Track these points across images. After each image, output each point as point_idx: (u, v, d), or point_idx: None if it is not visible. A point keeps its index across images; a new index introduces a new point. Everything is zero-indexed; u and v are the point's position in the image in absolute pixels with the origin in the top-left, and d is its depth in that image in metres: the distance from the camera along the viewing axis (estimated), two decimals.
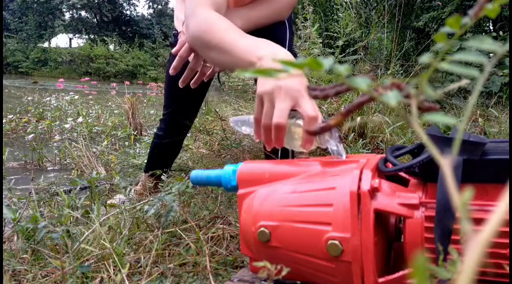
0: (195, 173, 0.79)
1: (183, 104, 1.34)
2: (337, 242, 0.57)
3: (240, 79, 3.18)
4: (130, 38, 20.93)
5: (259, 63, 0.73)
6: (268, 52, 0.75)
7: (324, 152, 1.90)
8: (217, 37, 0.83)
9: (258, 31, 1.15)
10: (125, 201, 1.24)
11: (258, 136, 0.74)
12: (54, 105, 3.82)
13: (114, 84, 5.07)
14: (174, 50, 1.00)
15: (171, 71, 1.00)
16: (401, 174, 0.66)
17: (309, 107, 0.66)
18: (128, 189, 1.18)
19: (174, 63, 1.00)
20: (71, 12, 23.19)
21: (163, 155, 1.43)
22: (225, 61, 0.83)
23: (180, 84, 1.01)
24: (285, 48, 1.21)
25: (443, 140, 0.56)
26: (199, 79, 1.03)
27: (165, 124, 1.38)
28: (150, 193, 1.35)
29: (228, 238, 0.99)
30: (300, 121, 0.70)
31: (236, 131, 0.92)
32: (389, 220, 0.67)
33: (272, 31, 1.17)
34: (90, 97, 4.58)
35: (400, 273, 0.58)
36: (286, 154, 1.29)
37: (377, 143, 1.90)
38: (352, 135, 1.86)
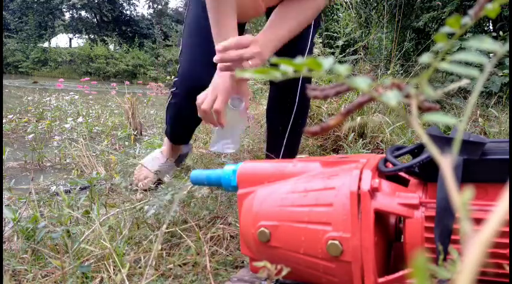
0: (195, 173, 0.79)
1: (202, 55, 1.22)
2: (337, 242, 0.57)
3: None
4: (130, 38, 20.91)
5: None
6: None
7: (324, 152, 1.90)
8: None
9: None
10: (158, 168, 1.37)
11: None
12: (54, 105, 3.82)
13: (114, 84, 5.06)
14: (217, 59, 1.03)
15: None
16: (402, 174, 0.66)
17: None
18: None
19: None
20: (71, 12, 23.18)
21: (183, 121, 1.35)
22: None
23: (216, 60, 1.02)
24: (305, 52, 1.23)
25: (443, 140, 0.56)
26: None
27: (181, 85, 1.26)
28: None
29: (228, 238, 0.99)
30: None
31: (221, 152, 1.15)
32: (389, 220, 0.67)
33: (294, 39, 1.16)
34: (90, 97, 4.58)
35: (400, 273, 0.58)
36: (287, 154, 1.29)
37: (377, 143, 1.90)
38: (352, 135, 1.86)
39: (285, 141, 1.27)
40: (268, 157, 1.33)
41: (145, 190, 1.38)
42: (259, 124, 2.15)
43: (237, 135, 1.10)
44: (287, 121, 1.26)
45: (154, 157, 1.50)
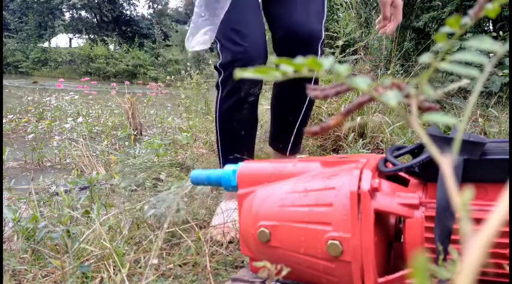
0: (195, 173, 0.79)
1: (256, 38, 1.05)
2: (337, 242, 0.57)
3: None
4: (130, 38, 20.89)
5: None
6: None
7: (324, 152, 1.90)
8: None
9: None
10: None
11: None
12: (54, 105, 3.82)
13: (114, 84, 5.07)
14: None
15: None
16: (402, 174, 0.66)
17: None
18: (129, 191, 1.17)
19: None
20: (71, 12, 23.17)
21: (238, 134, 1.10)
22: None
23: None
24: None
25: (443, 140, 0.56)
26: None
27: (228, 77, 1.05)
28: None
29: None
30: None
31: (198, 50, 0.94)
32: (389, 220, 0.67)
33: None
34: (90, 97, 4.58)
35: (400, 273, 0.57)
36: (294, 149, 1.30)
37: (377, 143, 1.90)
38: (352, 135, 1.86)
39: (293, 136, 1.28)
40: (275, 150, 1.33)
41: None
42: (259, 124, 2.15)
43: (220, 17, 0.94)
44: (296, 118, 1.26)
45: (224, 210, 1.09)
